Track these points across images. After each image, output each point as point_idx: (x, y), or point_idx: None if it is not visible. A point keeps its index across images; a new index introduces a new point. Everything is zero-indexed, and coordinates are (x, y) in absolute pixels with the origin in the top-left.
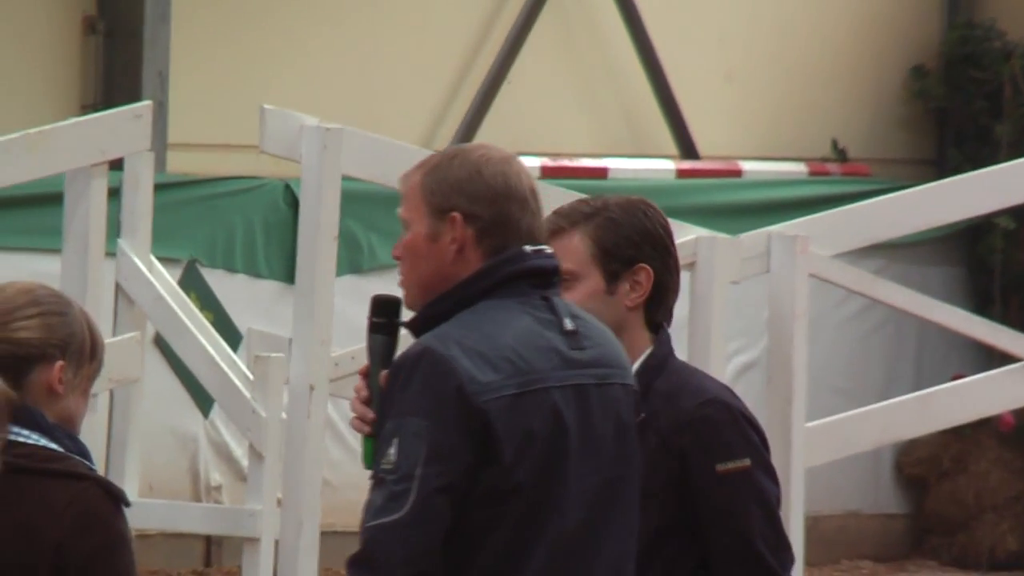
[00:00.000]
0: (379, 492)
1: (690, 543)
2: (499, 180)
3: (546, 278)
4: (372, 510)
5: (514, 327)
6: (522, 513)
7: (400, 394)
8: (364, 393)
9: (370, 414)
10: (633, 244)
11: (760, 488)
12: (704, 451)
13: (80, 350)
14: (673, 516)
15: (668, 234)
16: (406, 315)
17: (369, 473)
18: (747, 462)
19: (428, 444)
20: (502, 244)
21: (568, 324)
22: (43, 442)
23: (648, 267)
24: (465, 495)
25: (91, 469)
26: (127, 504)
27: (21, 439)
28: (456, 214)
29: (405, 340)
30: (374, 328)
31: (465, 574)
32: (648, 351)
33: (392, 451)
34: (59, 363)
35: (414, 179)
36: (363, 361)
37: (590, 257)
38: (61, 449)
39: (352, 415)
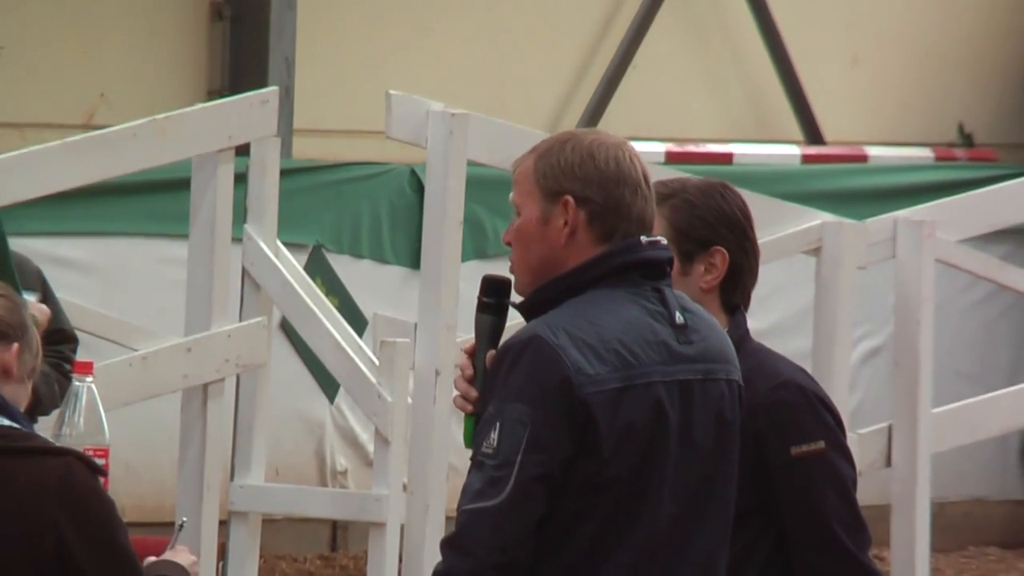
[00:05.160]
0: (478, 475)
1: (767, 525)
2: (611, 165)
3: (659, 269)
4: (469, 493)
5: (623, 318)
6: (614, 506)
7: (505, 379)
8: (469, 372)
9: (473, 393)
10: (708, 226)
11: (835, 470)
12: (778, 434)
13: (32, 338)
14: (750, 498)
15: (746, 217)
16: (515, 297)
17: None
18: (822, 444)
19: (530, 432)
20: (613, 229)
21: (679, 317)
22: (6, 422)
23: (723, 249)
24: (561, 485)
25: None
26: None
27: None
28: (568, 197)
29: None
30: (483, 308)
31: (553, 563)
32: None
33: (493, 435)
34: (16, 345)
35: (526, 164)
36: None
37: (665, 238)
38: (23, 428)
39: (455, 393)
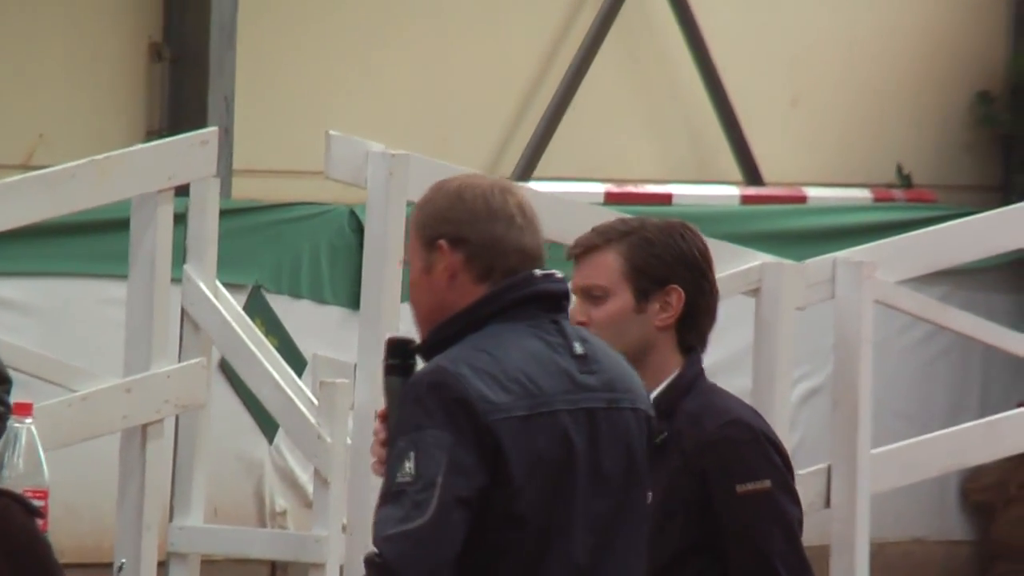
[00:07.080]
0: (397, 505)
1: (712, 563)
2: (479, 203)
3: (556, 302)
4: (392, 520)
5: (524, 349)
6: (531, 539)
7: (412, 410)
8: (383, 435)
9: None
10: (666, 264)
11: (781, 509)
12: (725, 471)
13: None
14: (695, 536)
15: (705, 258)
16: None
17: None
18: (767, 483)
19: (449, 455)
20: (491, 266)
21: (578, 348)
22: None
23: (679, 288)
24: (478, 518)
25: None
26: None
27: None
28: (442, 241)
29: None
30: (389, 370)
31: None
32: (676, 372)
33: (409, 464)
34: None
35: (411, 219)
36: None
37: (621, 274)
38: None
39: (372, 459)
